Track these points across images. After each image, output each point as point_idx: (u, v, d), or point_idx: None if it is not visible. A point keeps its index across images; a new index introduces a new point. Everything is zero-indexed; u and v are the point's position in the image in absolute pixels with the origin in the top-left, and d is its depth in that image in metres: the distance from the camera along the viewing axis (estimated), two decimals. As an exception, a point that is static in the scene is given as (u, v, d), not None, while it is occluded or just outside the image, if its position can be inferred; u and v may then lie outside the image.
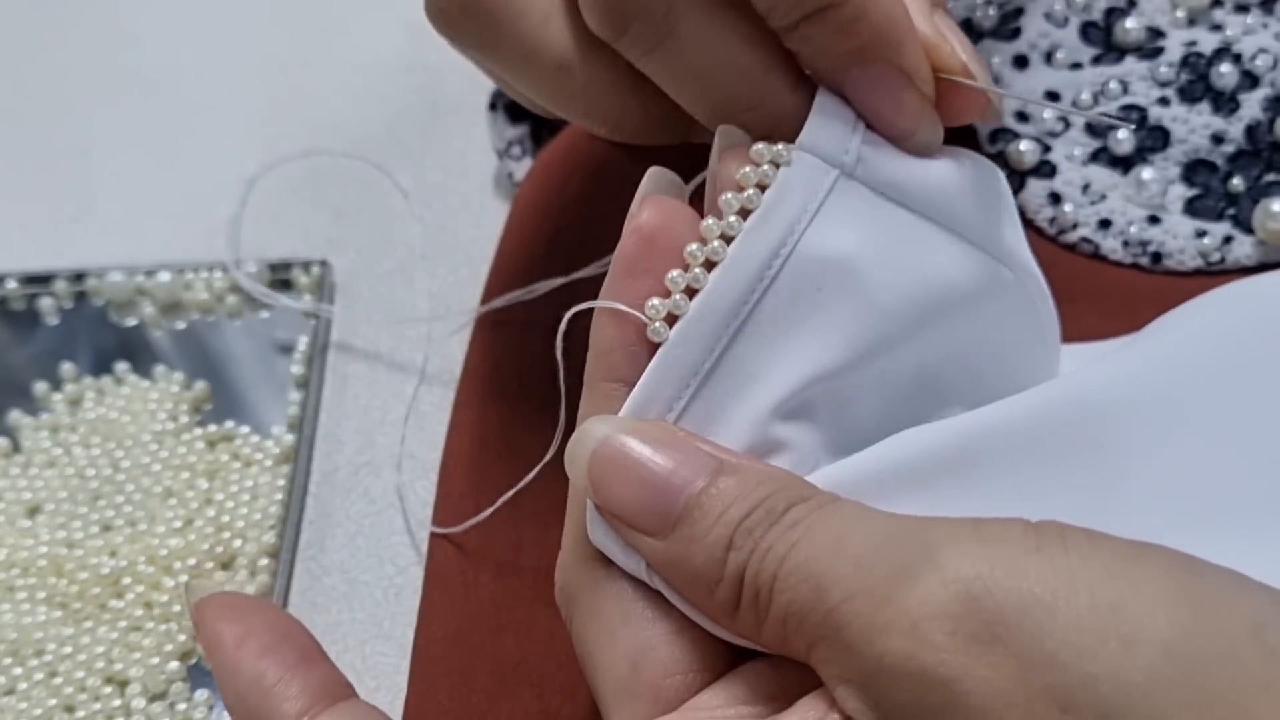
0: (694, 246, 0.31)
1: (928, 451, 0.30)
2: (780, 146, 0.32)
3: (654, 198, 0.32)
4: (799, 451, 0.30)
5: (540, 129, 0.52)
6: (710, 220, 0.31)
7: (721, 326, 0.30)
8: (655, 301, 0.31)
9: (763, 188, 0.31)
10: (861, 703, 0.25)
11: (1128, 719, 0.22)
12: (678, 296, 0.31)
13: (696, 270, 0.31)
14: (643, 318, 0.30)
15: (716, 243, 0.31)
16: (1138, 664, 0.23)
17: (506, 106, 0.52)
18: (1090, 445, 0.31)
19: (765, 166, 0.32)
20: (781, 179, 0.31)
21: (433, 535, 0.42)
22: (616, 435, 0.29)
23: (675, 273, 0.31)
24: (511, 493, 0.40)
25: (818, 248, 0.31)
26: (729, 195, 0.31)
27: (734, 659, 0.29)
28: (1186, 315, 0.35)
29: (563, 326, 0.33)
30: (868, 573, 0.25)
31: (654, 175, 0.32)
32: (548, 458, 0.38)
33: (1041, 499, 0.29)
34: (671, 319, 0.30)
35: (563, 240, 0.47)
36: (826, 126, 0.32)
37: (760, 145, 0.32)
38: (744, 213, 0.31)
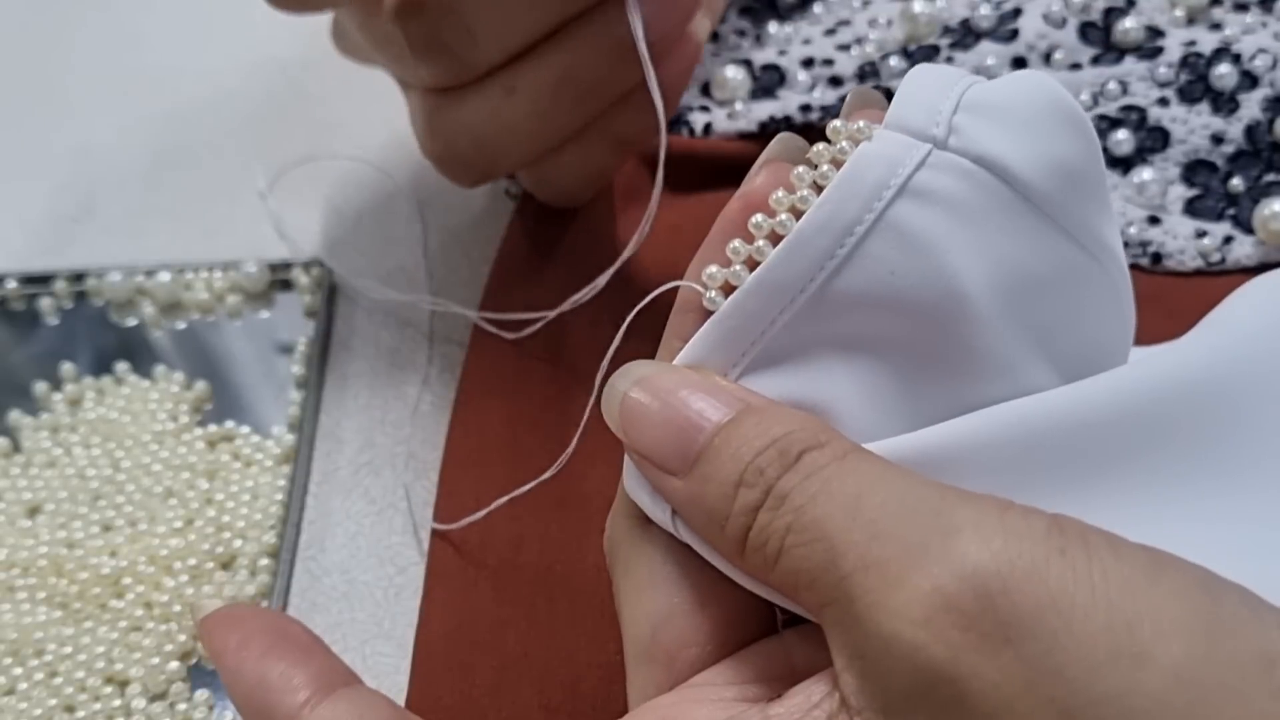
0: (759, 218, 0.29)
1: (1000, 432, 0.29)
2: (861, 124, 0.30)
3: (775, 163, 0.31)
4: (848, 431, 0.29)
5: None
6: (780, 193, 0.29)
7: (775, 304, 0.29)
8: (713, 269, 0.30)
9: (838, 165, 0.29)
10: (860, 686, 0.25)
11: None
12: (738, 267, 0.29)
13: (760, 243, 0.29)
14: (697, 289, 0.30)
15: (785, 215, 0.29)
16: (1146, 688, 0.22)
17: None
18: (1195, 427, 0.30)
19: (843, 143, 0.29)
20: (859, 154, 0.29)
21: (434, 533, 0.42)
22: (650, 376, 0.29)
23: (737, 242, 0.29)
24: (529, 487, 0.40)
25: (896, 227, 0.29)
26: (801, 170, 0.29)
27: (754, 636, 0.29)
28: (1248, 302, 0.33)
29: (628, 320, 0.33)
30: (884, 545, 0.25)
31: (784, 140, 0.31)
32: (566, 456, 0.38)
33: (1132, 488, 0.29)
34: (729, 289, 0.29)
35: (563, 241, 0.47)
36: (913, 99, 0.30)
37: (837, 122, 0.30)
38: (817, 188, 0.29)
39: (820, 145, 0.30)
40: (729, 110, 0.50)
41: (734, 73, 0.50)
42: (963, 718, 0.23)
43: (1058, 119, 0.30)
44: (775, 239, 0.29)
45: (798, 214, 0.29)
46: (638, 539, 0.29)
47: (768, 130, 0.49)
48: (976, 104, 0.30)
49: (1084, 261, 0.31)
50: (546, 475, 0.39)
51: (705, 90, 0.50)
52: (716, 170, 0.48)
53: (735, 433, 0.27)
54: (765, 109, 0.49)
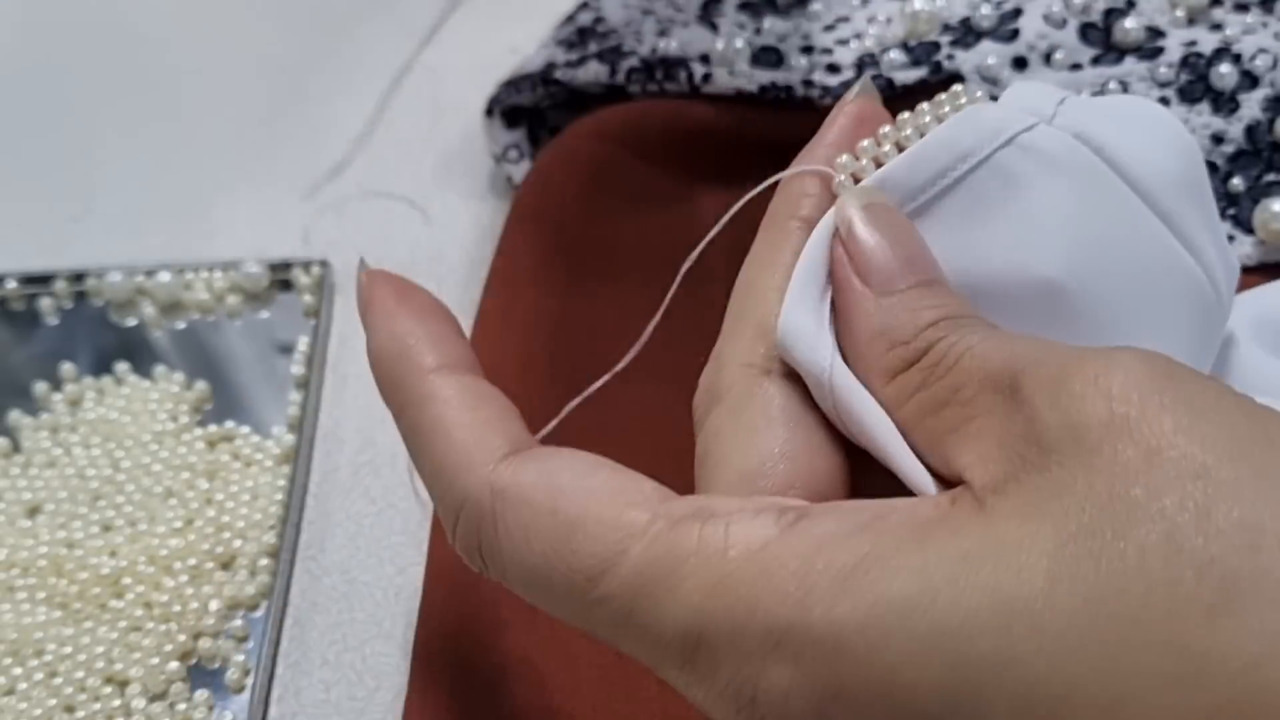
0: (888, 129, 0.31)
1: None
2: (965, 99, 0.32)
3: (867, 96, 0.33)
4: None
5: (537, 132, 0.52)
6: (888, 128, 0.31)
7: (906, 199, 0.30)
8: (844, 159, 0.31)
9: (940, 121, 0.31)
10: (1010, 460, 0.25)
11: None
12: (865, 162, 0.31)
13: (887, 148, 0.31)
14: (830, 171, 0.31)
15: (908, 131, 0.31)
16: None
17: (503, 112, 0.52)
18: None
19: (948, 109, 0.31)
20: (974, 108, 0.31)
21: (434, 532, 0.42)
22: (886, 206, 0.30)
23: (866, 142, 0.31)
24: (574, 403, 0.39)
25: (1005, 167, 0.30)
26: (908, 114, 0.31)
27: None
28: None
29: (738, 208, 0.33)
30: (1056, 350, 0.26)
31: (867, 82, 0.33)
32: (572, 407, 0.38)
33: None
34: (857, 179, 0.31)
35: (562, 242, 0.47)
36: (1019, 93, 0.32)
37: (942, 95, 0.32)
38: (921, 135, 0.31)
39: (925, 105, 0.31)
40: (730, 67, 0.49)
41: (735, 43, 0.50)
42: (1112, 465, 0.23)
43: (1159, 127, 0.32)
44: (900, 150, 0.31)
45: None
46: (756, 382, 0.29)
47: (767, 94, 0.48)
48: (1081, 101, 0.31)
49: (1177, 253, 0.31)
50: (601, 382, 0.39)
51: (705, 59, 0.50)
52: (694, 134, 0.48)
53: (945, 290, 0.29)
54: (767, 75, 0.49)
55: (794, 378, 0.29)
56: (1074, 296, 0.30)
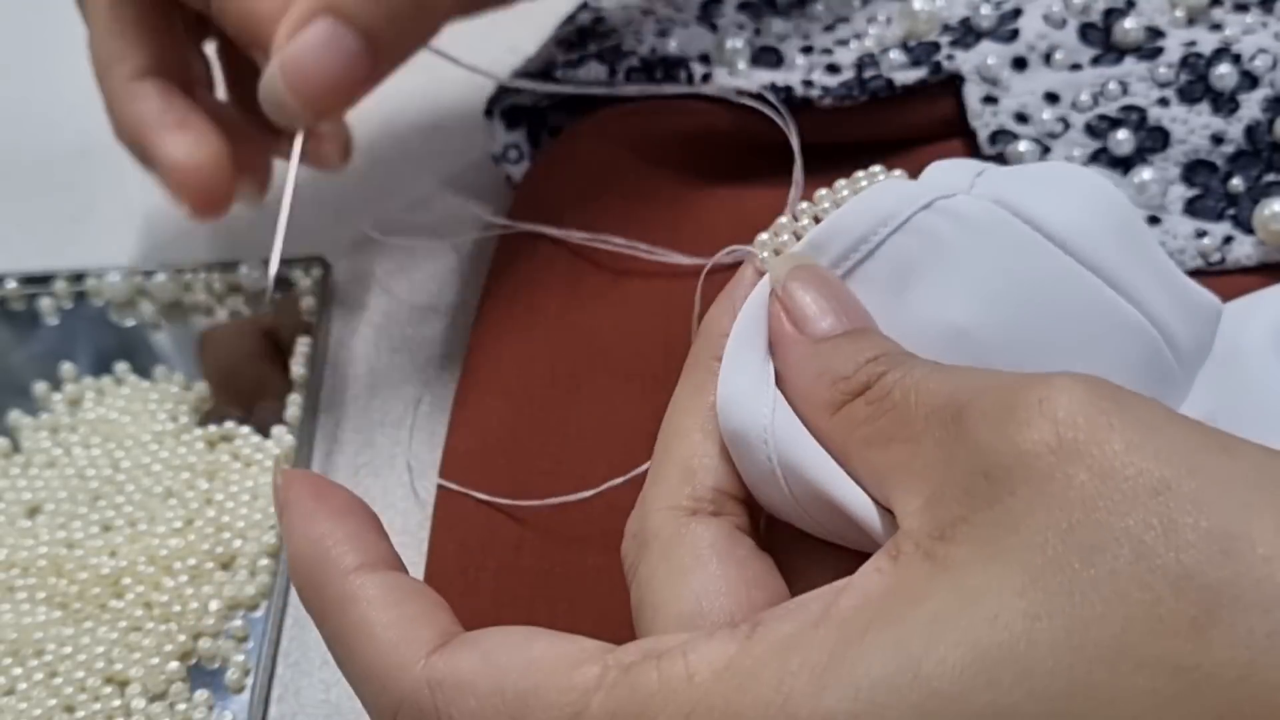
0: (805, 205, 0.32)
1: None
2: (882, 176, 0.32)
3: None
4: None
5: (537, 133, 0.52)
6: (806, 204, 0.32)
7: (830, 266, 0.31)
8: (764, 236, 0.31)
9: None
10: (943, 494, 0.25)
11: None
12: (786, 237, 0.31)
13: (805, 221, 0.31)
14: (753, 250, 0.31)
15: (825, 205, 0.32)
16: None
17: (503, 112, 0.52)
18: None
19: (864, 184, 0.32)
20: (890, 180, 0.32)
21: (433, 533, 0.42)
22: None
23: (784, 219, 0.31)
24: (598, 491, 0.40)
25: (923, 229, 0.31)
26: (825, 191, 0.32)
27: None
28: None
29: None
30: (1001, 379, 0.26)
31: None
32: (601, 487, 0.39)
33: None
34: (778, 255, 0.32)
35: (561, 243, 0.47)
36: (934, 171, 0.33)
37: (859, 172, 0.32)
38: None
39: (842, 181, 0.32)
40: (730, 67, 0.49)
41: (735, 43, 0.50)
42: (1053, 493, 0.23)
43: (1082, 187, 0.33)
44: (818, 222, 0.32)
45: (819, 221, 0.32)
46: (682, 525, 0.29)
47: (768, 92, 0.48)
48: (999, 171, 0.32)
49: (1114, 302, 0.31)
50: (602, 489, 0.40)
51: (705, 59, 0.50)
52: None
53: (879, 334, 0.30)
54: (766, 75, 0.49)
55: (721, 514, 0.30)
56: (1002, 350, 0.30)
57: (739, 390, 0.30)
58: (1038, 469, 0.23)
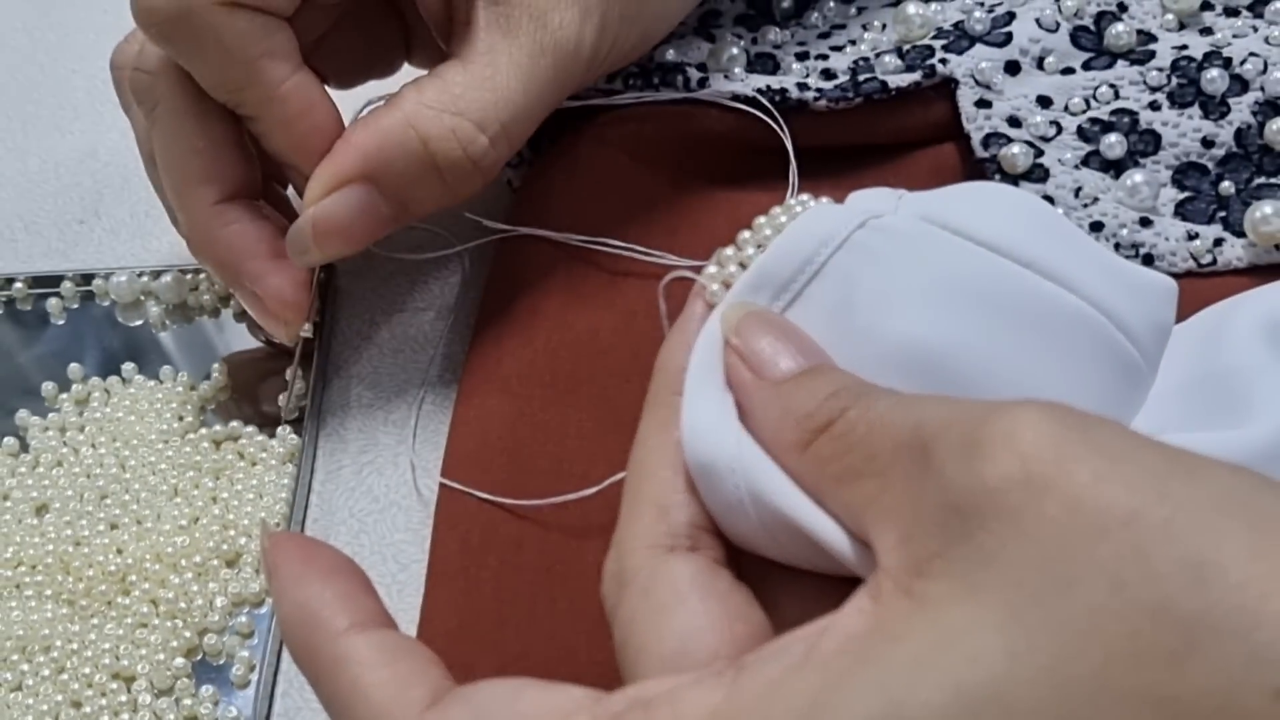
0: (746, 234, 0.32)
1: None
2: (812, 203, 0.33)
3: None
4: None
5: (538, 138, 0.52)
6: (747, 233, 0.32)
7: (780, 290, 0.32)
8: (712, 269, 0.32)
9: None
10: (917, 530, 0.25)
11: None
12: (732, 268, 0.32)
13: (750, 251, 0.32)
14: (700, 281, 0.32)
15: (767, 232, 0.32)
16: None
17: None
18: None
19: (799, 209, 0.32)
20: (822, 205, 0.33)
21: (435, 530, 0.42)
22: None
23: (730, 250, 0.32)
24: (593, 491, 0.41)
25: (861, 246, 0.31)
26: (763, 218, 0.32)
27: None
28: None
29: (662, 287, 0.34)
30: (963, 410, 0.26)
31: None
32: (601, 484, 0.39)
33: None
34: (727, 285, 0.32)
35: (560, 246, 0.47)
36: (865, 194, 0.33)
37: (791, 199, 0.33)
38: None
39: (777, 208, 0.33)
40: (726, 72, 0.50)
41: (731, 50, 0.50)
42: (1025, 530, 0.23)
43: (1000, 197, 0.33)
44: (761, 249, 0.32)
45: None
46: (660, 563, 0.30)
47: (762, 97, 0.48)
48: (917, 194, 0.33)
49: (1054, 293, 0.32)
50: (595, 489, 0.40)
51: (702, 66, 0.50)
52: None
53: (834, 369, 0.30)
54: (763, 79, 0.49)
55: (699, 550, 0.30)
56: (956, 356, 0.31)
57: (702, 422, 0.30)
58: (1007, 504, 0.23)
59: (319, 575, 0.31)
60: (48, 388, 0.50)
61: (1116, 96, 0.47)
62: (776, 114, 0.46)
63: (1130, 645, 0.22)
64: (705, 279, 0.32)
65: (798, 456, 0.28)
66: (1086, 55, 0.48)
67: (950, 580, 0.24)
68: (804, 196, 0.33)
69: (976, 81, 0.48)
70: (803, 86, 0.48)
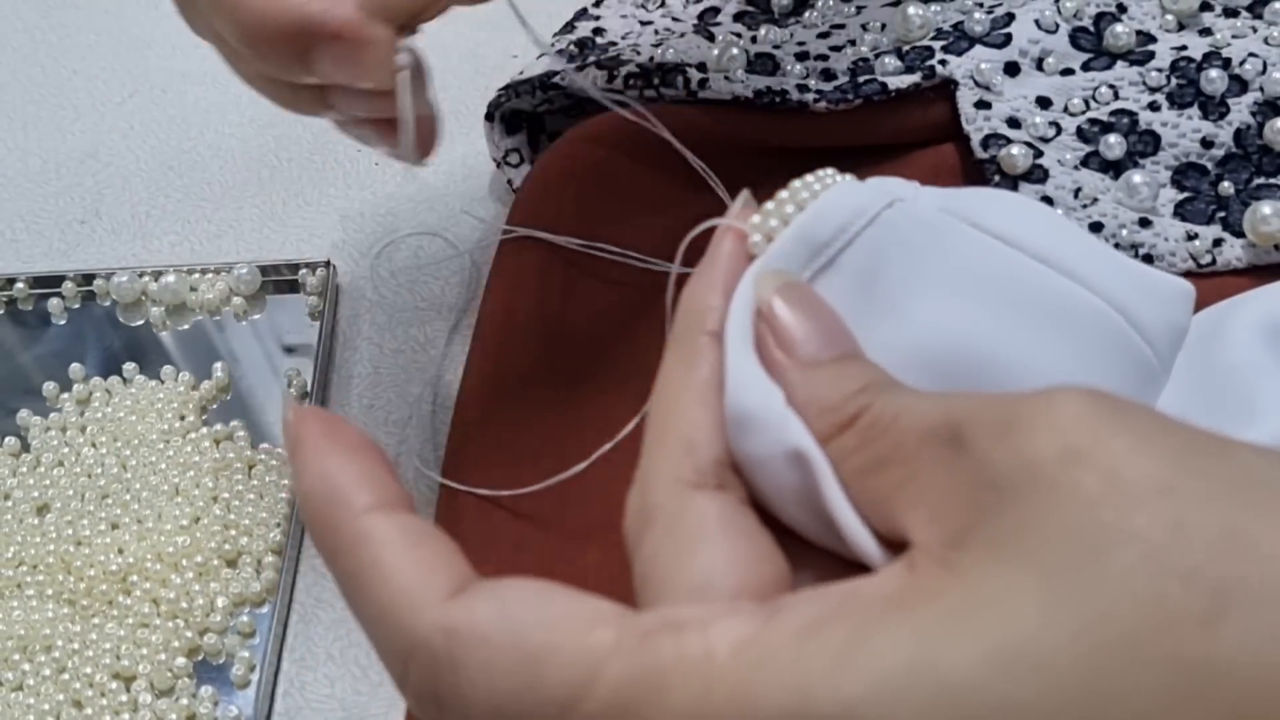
0: (785, 194, 0.31)
1: None
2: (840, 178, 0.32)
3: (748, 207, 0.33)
4: None
5: (537, 137, 0.52)
6: (785, 193, 0.31)
7: (815, 253, 0.31)
8: (757, 219, 0.31)
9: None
10: (964, 510, 0.25)
11: None
12: (774, 222, 0.31)
13: (790, 209, 0.31)
14: (744, 228, 0.31)
15: (804, 195, 0.31)
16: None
17: (503, 116, 0.52)
18: None
19: (830, 181, 0.32)
20: (843, 181, 0.32)
21: (436, 528, 0.42)
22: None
23: (771, 204, 0.31)
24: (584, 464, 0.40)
25: (891, 226, 0.31)
26: (798, 182, 0.32)
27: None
28: None
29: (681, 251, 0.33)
30: (994, 397, 0.26)
31: (746, 196, 0.33)
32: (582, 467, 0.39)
33: None
34: (770, 238, 0.31)
35: (559, 246, 0.48)
36: (882, 181, 0.33)
37: (810, 175, 0.32)
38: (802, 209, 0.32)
39: (809, 175, 0.32)
40: (727, 73, 0.50)
41: (731, 50, 0.50)
42: (1060, 503, 0.23)
43: (1009, 199, 0.33)
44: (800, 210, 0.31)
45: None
46: (688, 499, 0.29)
47: (762, 99, 0.48)
48: (932, 189, 0.32)
49: (1068, 287, 0.32)
50: (585, 465, 0.40)
51: (702, 66, 0.50)
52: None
53: (864, 359, 0.30)
54: (763, 81, 0.49)
55: (725, 489, 0.29)
56: (972, 343, 0.31)
57: (748, 372, 0.30)
58: (1044, 476, 0.24)
59: (343, 450, 0.30)
60: (49, 388, 0.50)
61: (1116, 97, 0.47)
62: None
63: (1160, 609, 0.22)
64: (750, 228, 0.31)
65: (820, 446, 0.28)
66: (1086, 56, 0.48)
67: (985, 548, 0.24)
68: (830, 170, 0.33)
69: (976, 82, 0.48)
70: (803, 88, 0.49)
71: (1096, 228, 0.45)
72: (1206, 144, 0.46)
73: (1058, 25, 0.49)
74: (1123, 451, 0.24)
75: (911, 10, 0.50)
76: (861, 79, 0.48)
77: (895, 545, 0.27)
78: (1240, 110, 0.46)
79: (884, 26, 0.52)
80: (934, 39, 0.50)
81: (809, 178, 0.32)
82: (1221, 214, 0.46)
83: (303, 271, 0.52)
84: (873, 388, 0.28)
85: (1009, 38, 0.49)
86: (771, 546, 0.29)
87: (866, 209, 0.31)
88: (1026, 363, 0.31)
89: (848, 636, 0.24)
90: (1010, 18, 0.49)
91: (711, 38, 0.52)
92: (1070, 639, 0.22)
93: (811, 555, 0.30)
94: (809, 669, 0.24)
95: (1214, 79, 0.47)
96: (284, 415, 0.31)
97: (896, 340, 0.30)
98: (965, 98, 0.48)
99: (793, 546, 0.30)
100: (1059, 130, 0.47)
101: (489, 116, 0.52)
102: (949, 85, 0.48)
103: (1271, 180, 0.46)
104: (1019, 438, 0.24)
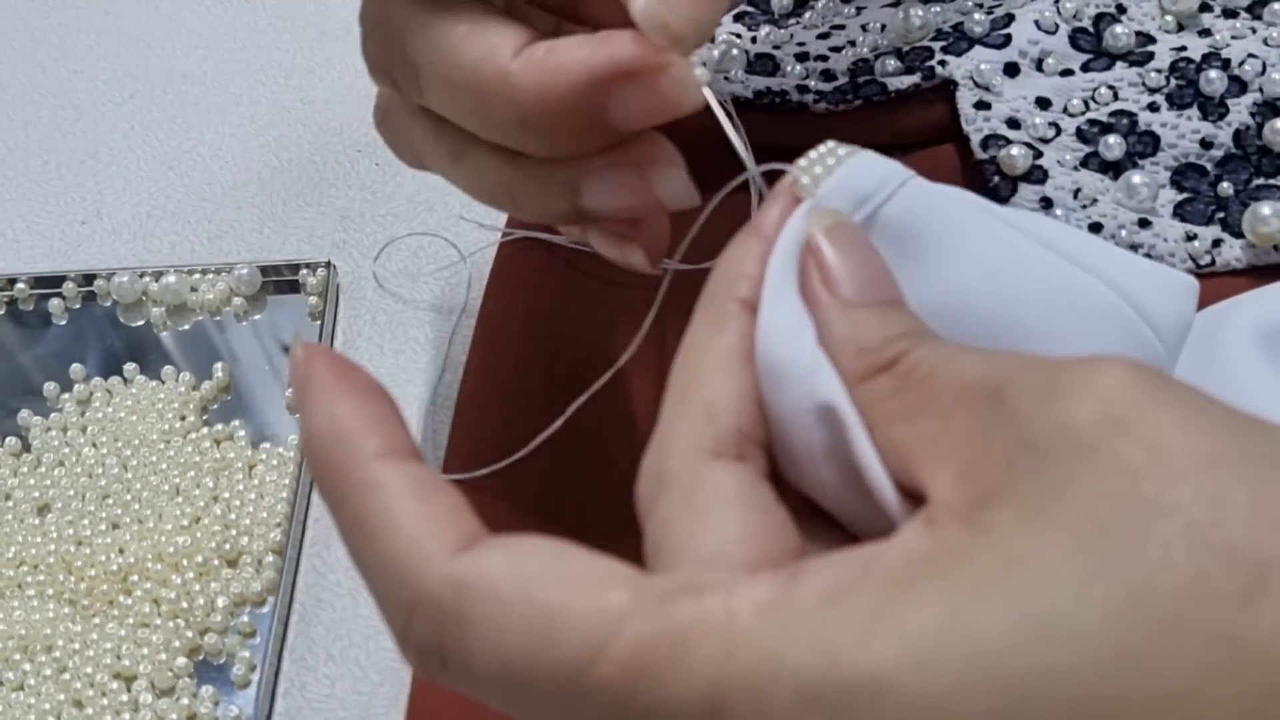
0: (824, 148, 0.31)
1: None
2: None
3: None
4: None
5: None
6: (824, 147, 0.31)
7: (860, 201, 0.31)
8: (804, 161, 0.31)
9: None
10: (997, 469, 0.24)
11: None
12: (819, 169, 0.31)
13: (832, 161, 0.31)
14: (793, 170, 0.31)
15: (841, 151, 0.31)
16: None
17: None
18: None
19: (842, 152, 0.32)
20: (867, 152, 0.31)
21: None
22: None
23: (815, 152, 0.31)
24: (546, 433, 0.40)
25: (920, 191, 0.31)
26: (833, 143, 0.31)
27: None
28: None
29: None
30: (1038, 360, 0.25)
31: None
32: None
33: None
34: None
35: (559, 246, 0.48)
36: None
37: (832, 141, 0.32)
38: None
39: (833, 142, 0.31)
40: (726, 74, 0.50)
41: (730, 51, 0.50)
42: (1103, 470, 0.23)
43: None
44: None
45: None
46: (706, 466, 0.28)
47: (762, 99, 0.48)
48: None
49: (1073, 272, 0.32)
50: (569, 412, 0.40)
51: (701, 66, 0.50)
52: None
53: (909, 311, 0.29)
54: (763, 82, 0.49)
55: (745, 461, 0.29)
56: (992, 316, 0.31)
57: (781, 324, 0.29)
58: (1085, 442, 0.23)
59: (353, 393, 0.29)
60: (50, 388, 0.50)
61: (1115, 98, 0.47)
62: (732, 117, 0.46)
63: (1199, 583, 0.22)
64: (796, 170, 0.31)
65: (852, 385, 0.28)
66: (1085, 57, 0.48)
67: (1017, 510, 0.24)
68: (850, 146, 0.32)
69: (975, 83, 0.48)
70: (802, 89, 0.49)
71: (1096, 228, 0.45)
72: (1206, 145, 0.46)
73: (1057, 26, 0.49)
74: (1167, 424, 0.23)
75: (911, 11, 0.50)
76: (861, 80, 0.49)
77: (912, 497, 0.26)
78: (1239, 111, 0.46)
79: (884, 27, 0.52)
80: (934, 40, 0.50)
81: (832, 142, 0.31)
82: (1221, 215, 0.46)
83: (303, 272, 0.52)
84: (914, 335, 0.28)
85: (1008, 38, 0.49)
86: (787, 522, 0.28)
87: (893, 176, 0.31)
88: (1040, 344, 0.31)
89: (874, 601, 0.23)
90: (1010, 18, 0.49)
91: (711, 38, 0.52)
92: (1106, 609, 0.22)
93: (825, 533, 0.29)
94: (836, 634, 0.23)
95: (1213, 80, 0.47)
96: (293, 353, 0.30)
97: (925, 301, 0.30)
98: (965, 98, 0.48)
99: (807, 526, 0.29)
100: (1058, 131, 0.47)
101: (489, 117, 0.52)
102: (949, 86, 0.48)
103: (1271, 181, 0.46)
104: (1061, 402, 0.24)
